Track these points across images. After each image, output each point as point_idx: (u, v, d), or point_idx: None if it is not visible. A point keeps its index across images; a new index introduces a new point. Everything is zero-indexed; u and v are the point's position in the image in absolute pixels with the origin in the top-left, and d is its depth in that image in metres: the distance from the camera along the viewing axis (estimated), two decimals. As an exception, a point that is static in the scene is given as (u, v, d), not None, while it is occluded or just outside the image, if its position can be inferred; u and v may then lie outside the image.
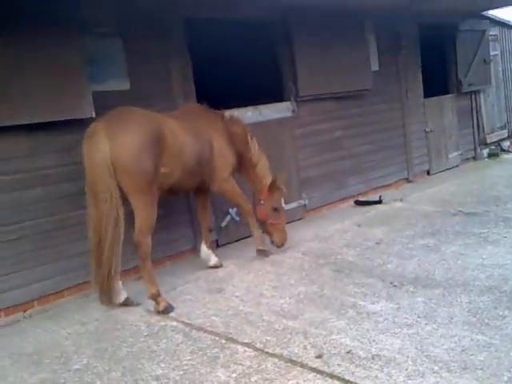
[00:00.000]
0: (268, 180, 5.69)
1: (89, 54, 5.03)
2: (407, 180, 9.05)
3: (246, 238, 6.35)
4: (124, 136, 4.34)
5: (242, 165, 5.65)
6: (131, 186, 4.39)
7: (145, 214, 4.47)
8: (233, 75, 8.56)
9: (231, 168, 5.48)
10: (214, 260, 5.58)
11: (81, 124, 4.96)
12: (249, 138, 5.59)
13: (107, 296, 4.57)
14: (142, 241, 4.47)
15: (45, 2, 4.59)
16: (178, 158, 4.78)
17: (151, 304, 4.65)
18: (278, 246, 5.72)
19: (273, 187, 5.65)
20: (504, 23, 11.83)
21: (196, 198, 5.63)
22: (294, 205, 7.15)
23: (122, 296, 4.69)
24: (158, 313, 4.50)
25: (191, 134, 4.99)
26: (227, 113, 5.66)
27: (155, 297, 4.56)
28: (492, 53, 11.14)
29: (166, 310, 4.51)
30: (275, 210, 5.67)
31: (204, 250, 5.57)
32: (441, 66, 10.26)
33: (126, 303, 4.70)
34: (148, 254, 4.52)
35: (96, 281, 4.50)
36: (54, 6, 4.64)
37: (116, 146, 4.29)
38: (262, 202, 5.67)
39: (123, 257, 5.22)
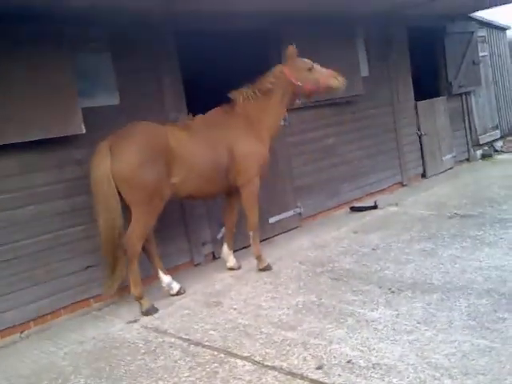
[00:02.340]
0: (275, 69, 5.53)
1: (78, 70, 5.00)
2: (402, 184, 9.03)
3: (242, 249, 6.31)
4: (124, 152, 4.59)
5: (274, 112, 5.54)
6: (131, 197, 4.65)
7: (140, 222, 4.69)
8: (223, 84, 8.56)
9: (259, 165, 5.44)
10: (232, 262, 5.71)
11: (72, 140, 4.97)
12: (240, 98, 5.42)
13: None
14: (131, 246, 4.70)
15: (37, 20, 4.58)
16: (189, 168, 4.92)
17: (148, 320, 4.63)
18: (342, 88, 5.63)
19: (288, 57, 5.51)
20: (492, 24, 11.89)
21: (225, 200, 5.72)
22: (289, 213, 7.13)
23: (175, 287, 5.17)
24: (142, 313, 4.77)
25: (204, 143, 5.08)
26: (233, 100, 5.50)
27: (138, 299, 4.81)
28: (481, 54, 11.19)
29: (148, 312, 4.77)
30: (309, 70, 5.50)
31: (225, 250, 5.73)
32: (431, 68, 10.29)
33: (180, 292, 5.16)
34: (135, 257, 4.74)
35: (109, 283, 4.81)
36: (45, 23, 4.64)
37: (116, 162, 4.55)
38: (299, 85, 5.46)
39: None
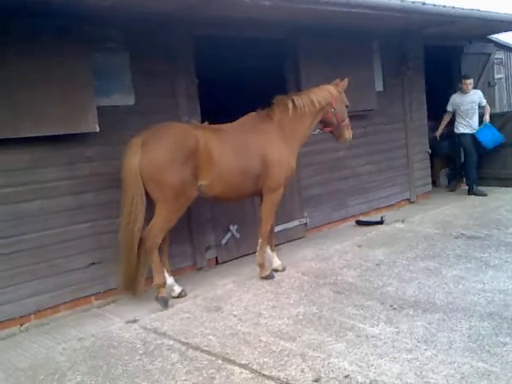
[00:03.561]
0: (328, 91, 5.74)
1: (96, 69, 5.04)
2: (409, 201, 9.00)
3: (246, 255, 6.32)
4: (153, 150, 4.73)
5: (310, 123, 5.76)
6: (155, 194, 4.80)
7: (162, 218, 4.84)
8: (239, 93, 8.61)
9: (287, 174, 5.55)
10: (276, 263, 5.77)
11: (84, 138, 5.01)
12: (290, 106, 5.52)
13: (133, 289, 5.01)
14: (151, 237, 4.83)
15: (57, 18, 4.63)
16: (217, 172, 5.02)
17: (148, 321, 4.63)
18: (349, 140, 6.09)
19: (337, 89, 5.84)
20: (509, 47, 11.88)
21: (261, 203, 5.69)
22: (295, 223, 7.12)
23: (177, 289, 5.20)
24: (156, 300, 4.89)
25: (236, 148, 5.18)
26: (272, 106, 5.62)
27: (160, 286, 4.92)
28: (496, 76, 11.18)
29: (162, 300, 4.89)
30: (346, 107, 5.98)
31: (268, 252, 5.74)
32: (445, 86, 10.27)
33: (181, 295, 5.19)
34: (153, 248, 4.86)
35: (123, 276, 4.95)
36: (65, 20, 4.69)
37: (145, 159, 4.71)
38: (333, 109, 5.79)
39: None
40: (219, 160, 5.01)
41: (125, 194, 4.79)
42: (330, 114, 5.82)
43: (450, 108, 9.41)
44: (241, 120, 5.54)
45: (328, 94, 5.73)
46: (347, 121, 5.99)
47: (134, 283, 4.99)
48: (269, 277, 5.55)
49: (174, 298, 5.13)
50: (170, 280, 5.17)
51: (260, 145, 5.34)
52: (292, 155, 5.61)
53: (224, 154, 5.06)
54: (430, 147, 9.38)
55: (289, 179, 5.67)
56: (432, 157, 9.66)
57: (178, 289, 5.20)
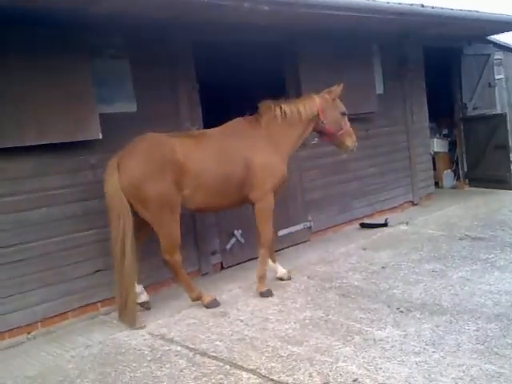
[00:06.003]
0: (313, 103, 5.43)
1: (97, 76, 5.07)
2: (412, 203, 9.00)
3: (251, 259, 6.31)
4: (128, 167, 4.63)
5: (301, 129, 5.47)
6: (145, 212, 4.71)
7: (164, 236, 4.79)
8: (238, 97, 8.63)
9: (275, 181, 5.26)
10: (281, 272, 5.62)
11: (87, 145, 5.02)
12: (277, 113, 5.31)
13: (127, 316, 4.72)
14: (168, 259, 4.83)
15: (58, 26, 4.65)
16: (198, 180, 4.85)
17: (155, 328, 4.64)
18: (352, 150, 5.75)
19: (329, 97, 5.50)
20: (508, 47, 11.88)
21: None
22: (299, 227, 7.13)
23: (143, 297, 5.03)
24: (205, 307, 4.97)
25: (216, 155, 4.99)
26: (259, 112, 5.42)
27: (198, 298, 5.01)
28: (497, 77, 11.18)
29: (211, 305, 4.98)
30: (343, 114, 5.57)
31: (270, 264, 5.53)
32: (445, 87, 10.30)
33: (144, 305, 5.03)
34: (177, 267, 4.89)
35: (118, 298, 4.77)
36: (66, 28, 4.71)
37: (123, 179, 4.61)
38: (321, 122, 5.44)
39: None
40: (197, 168, 4.84)
41: (110, 218, 4.66)
42: (319, 123, 5.47)
43: None
44: (226, 124, 5.36)
45: (313, 107, 5.41)
46: (346, 128, 5.59)
47: (124, 309, 4.71)
48: (265, 294, 5.15)
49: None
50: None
51: (244, 149, 5.11)
52: (281, 161, 5.31)
53: (203, 161, 4.88)
54: None
55: (280, 186, 5.38)
56: (434, 158, 9.68)
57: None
